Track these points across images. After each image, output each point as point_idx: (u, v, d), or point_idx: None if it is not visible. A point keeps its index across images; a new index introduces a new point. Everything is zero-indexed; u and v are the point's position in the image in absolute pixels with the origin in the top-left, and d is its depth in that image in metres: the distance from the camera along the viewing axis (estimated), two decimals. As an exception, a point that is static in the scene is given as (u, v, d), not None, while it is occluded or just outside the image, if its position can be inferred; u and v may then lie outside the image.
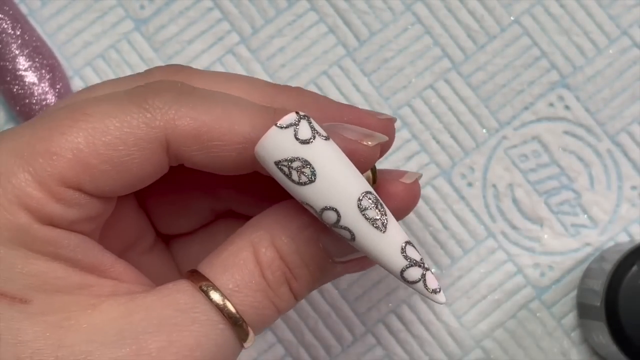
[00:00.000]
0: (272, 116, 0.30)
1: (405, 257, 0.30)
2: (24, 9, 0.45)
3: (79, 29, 0.45)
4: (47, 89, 0.43)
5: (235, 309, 0.30)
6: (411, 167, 0.44)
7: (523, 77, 0.44)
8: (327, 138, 0.30)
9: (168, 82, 0.31)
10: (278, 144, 0.29)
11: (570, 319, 0.43)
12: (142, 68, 0.45)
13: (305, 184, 0.29)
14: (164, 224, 0.36)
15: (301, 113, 0.30)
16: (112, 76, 0.45)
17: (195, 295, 0.30)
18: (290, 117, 0.29)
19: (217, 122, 0.30)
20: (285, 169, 0.29)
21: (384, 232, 0.30)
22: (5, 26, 0.44)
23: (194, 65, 0.45)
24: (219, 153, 0.30)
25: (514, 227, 0.43)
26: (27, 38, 0.44)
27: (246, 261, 0.31)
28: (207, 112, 0.30)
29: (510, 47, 0.44)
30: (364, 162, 0.31)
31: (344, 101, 0.44)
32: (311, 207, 0.30)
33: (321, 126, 0.30)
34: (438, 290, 0.30)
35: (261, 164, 0.30)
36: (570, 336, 0.43)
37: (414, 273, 0.30)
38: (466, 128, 0.44)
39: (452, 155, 0.44)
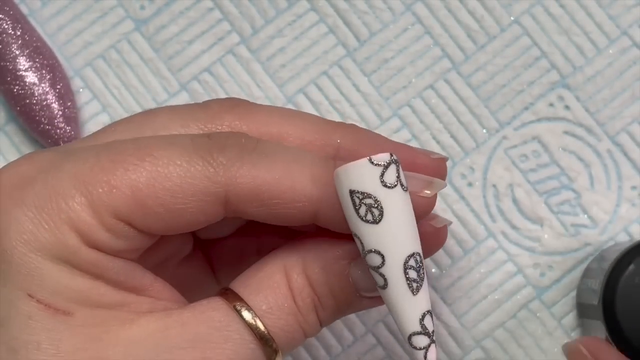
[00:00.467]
0: (332, 171, 0.31)
1: (422, 324, 0.30)
2: (24, 9, 0.45)
3: (80, 29, 0.45)
4: (47, 89, 0.43)
5: (267, 330, 0.31)
6: (411, 167, 0.44)
7: (523, 77, 0.44)
8: (405, 189, 0.30)
9: (233, 136, 0.31)
10: (362, 176, 0.30)
11: (571, 318, 0.43)
12: (142, 68, 0.45)
13: (368, 221, 0.30)
14: (204, 231, 0.37)
15: (394, 157, 0.30)
16: (112, 76, 0.45)
17: (229, 314, 0.31)
18: (384, 157, 0.30)
19: (277, 181, 0.31)
20: (357, 201, 0.30)
21: (414, 294, 0.30)
22: (6, 26, 0.44)
23: (194, 65, 0.45)
24: (278, 210, 0.31)
25: (514, 227, 0.43)
26: (27, 38, 0.44)
27: (279, 284, 0.32)
28: (269, 170, 0.31)
29: (510, 47, 0.44)
30: (423, 212, 0.32)
31: (344, 101, 0.44)
32: (361, 243, 0.30)
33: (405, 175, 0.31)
34: None
35: (336, 184, 0.30)
36: (571, 336, 0.43)
37: (421, 341, 0.31)
38: (466, 128, 0.44)
39: (452, 155, 0.44)
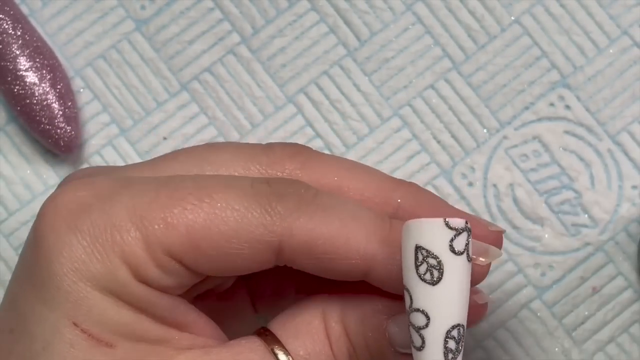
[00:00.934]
0: (388, 232, 0.31)
1: None
2: (24, 9, 0.45)
3: (80, 29, 0.45)
4: (47, 89, 0.43)
5: None
6: (412, 167, 0.44)
7: (523, 77, 0.44)
8: (469, 260, 0.30)
9: (292, 185, 0.31)
10: (433, 236, 0.30)
11: (572, 318, 0.43)
12: (143, 68, 0.45)
13: (425, 281, 0.30)
14: None
15: (468, 225, 0.30)
16: (113, 77, 0.45)
17: (266, 357, 0.31)
18: (459, 223, 0.30)
19: (333, 236, 0.31)
20: (420, 258, 0.30)
21: None
22: (6, 26, 0.44)
23: (195, 65, 0.45)
24: (330, 265, 0.31)
25: (514, 227, 0.43)
26: (27, 38, 0.44)
27: (317, 331, 0.32)
28: (325, 225, 0.31)
29: (511, 46, 0.44)
30: (475, 280, 0.32)
31: (345, 101, 0.44)
32: (411, 299, 0.30)
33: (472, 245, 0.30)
34: None
35: (403, 235, 0.30)
36: (572, 336, 0.43)
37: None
38: (467, 128, 0.44)
39: (452, 155, 0.44)
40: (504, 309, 0.43)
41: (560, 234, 0.43)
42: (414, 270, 0.30)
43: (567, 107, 0.44)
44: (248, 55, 0.45)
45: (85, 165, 0.44)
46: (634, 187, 0.43)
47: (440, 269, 0.29)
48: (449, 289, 0.30)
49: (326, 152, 0.44)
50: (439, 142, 0.44)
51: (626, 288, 0.43)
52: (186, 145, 0.44)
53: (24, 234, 0.44)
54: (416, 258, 0.30)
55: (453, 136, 0.44)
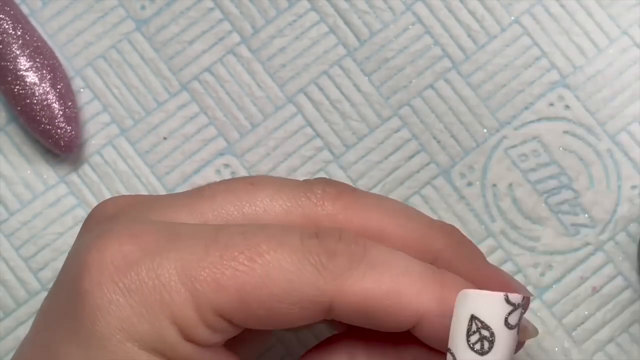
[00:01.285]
0: (439, 288, 0.31)
1: None
2: (25, 9, 0.45)
3: (80, 29, 0.45)
4: (48, 89, 0.43)
5: None
6: (412, 166, 0.44)
7: (523, 77, 0.44)
8: (518, 333, 0.30)
9: (342, 240, 0.31)
10: (491, 309, 0.30)
11: (571, 318, 0.43)
12: (143, 68, 0.45)
13: (473, 349, 0.30)
14: None
15: (524, 300, 0.30)
16: (113, 77, 0.45)
17: None
18: (518, 299, 0.30)
19: (385, 295, 0.30)
20: (473, 328, 0.30)
21: None
22: (6, 26, 0.44)
23: (195, 65, 0.45)
24: (379, 323, 0.31)
25: (514, 227, 0.43)
26: (28, 38, 0.44)
27: None
28: (377, 283, 0.30)
29: (511, 46, 0.44)
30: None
31: (345, 101, 0.44)
32: None
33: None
34: None
35: (457, 301, 0.30)
36: (572, 335, 0.43)
37: None
38: (466, 128, 0.44)
39: (452, 155, 0.44)
40: (504, 308, 0.43)
41: (560, 233, 0.43)
42: (465, 339, 0.30)
43: (567, 107, 0.44)
44: (248, 55, 0.45)
45: (85, 166, 0.44)
46: (634, 187, 0.43)
47: (492, 341, 0.30)
48: (496, 359, 0.30)
49: (326, 152, 0.44)
50: (438, 142, 0.44)
51: (626, 288, 0.43)
52: (186, 146, 0.44)
53: (24, 234, 0.44)
54: (469, 327, 0.30)
55: (453, 136, 0.44)
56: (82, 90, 0.45)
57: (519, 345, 0.32)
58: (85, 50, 0.45)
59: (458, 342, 0.30)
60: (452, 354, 0.30)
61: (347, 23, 0.45)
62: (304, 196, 0.33)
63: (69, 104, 0.44)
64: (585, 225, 0.43)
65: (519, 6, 0.45)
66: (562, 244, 0.43)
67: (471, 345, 0.30)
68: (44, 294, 0.43)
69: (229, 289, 0.30)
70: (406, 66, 0.45)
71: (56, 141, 0.43)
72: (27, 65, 0.43)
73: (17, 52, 0.43)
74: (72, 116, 0.44)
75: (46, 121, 0.43)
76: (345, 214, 0.33)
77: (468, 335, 0.30)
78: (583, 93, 0.44)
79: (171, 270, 0.30)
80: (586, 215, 0.43)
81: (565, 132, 0.44)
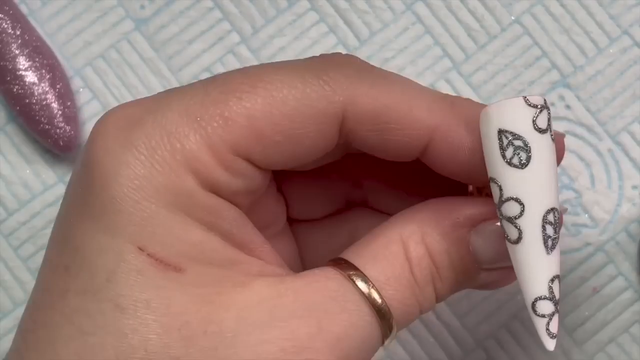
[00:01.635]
0: (449, 106, 0.29)
1: (550, 288, 0.29)
2: (24, 9, 0.45)
3: (79, 29, 0.45)
4: (47, 89, 0.43)
5: (384, 303, 0.29)
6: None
7: (524, 77, 0.44)
8: (553, 138, 0.29)
9: (347, 55, 0.30)
10: (515, 116, 0.28)
11: (572, 318, 0.43)
12: (142, 68, 0.45)
13: (512, 164, 0.28)
14: (297, 209, 0.35)
15: (547, 102, 0.29)
16: (112, 76, 0.45)
17: (345, 284, 0.29)
18: (539, 100, 0.28)
19: (396, 104, 0.29)
20: (504, 142, 0.28)
21: (548, 253, 0.29)
22: (5, 26, 0.44)
23: (195, 65, 0.45)
24: (393, 137, 0.29)
25: (514, 227, 0.43)
26: (27, 38, 0.44)
27: (397, 255, 0.30)
28: (387, 92, 0.29)
29: (511, 46, 0.44)
30: (558, 157, 0.30)
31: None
32: (500, 189, 0.28)
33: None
34: (554, 335, 0.29)
35: (481, 125, 0.29)
36: (572, 336, 0.43)
37: (547, 308, 0.29)
38: (467, 128, 0.44)
39: (452, 155, 0.44)
40: (504, 309, 0.43)
41: (561, 234, 0.43)
42: (500, 157, 0.28)
43: (568, 107, 0.44)
44: (248, 55, 0.45)
45: (84, 165, 0.44)
46: (634, 187, 0.43)
47: (527, 149, 0.28)
48: (540, 170, 0.28)
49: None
50: (439, 142, 0.44)
51: (626, 288, 0.43)
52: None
53: (23, 234, 0.44)
54: (501, 143, 0.28)
55: (453, 136, 0.44)
56: (81, 89, 0.45)
57: (560, 148, 0.30)
58: (85, 50, 0.45)
59: (495, 163, 0.28)
60: (494, 181, 0.29)
61: (347, 23, 0.45)
62: (322, 70, 0.30)
63: (68, 103, 0.44)
64: (585, 226, 0.43)
65: (519, 6, 0.45)
66: (563, 244, 0.43)
67: (509, 161, 0.28)
68: (43, 294, 0.43)
69: (237, 119, 0.28)
70: (406, 66, 0.45)
71: (55, 141, 0.43)
72: (26, 64, 0.43)
73: (16, 52, 0.43)
74: (71, 116, 0.43)
75: (45, 121, 0.43)
76: (353, 79, 0.30)
77: (502, 152, 0.28)
78: (584, 93, 0.44)
79: (175, 117, 0.28)
80: (587, 215, 0.43)
81: (566, 132, 0.44)
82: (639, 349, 0.42)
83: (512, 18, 0.45)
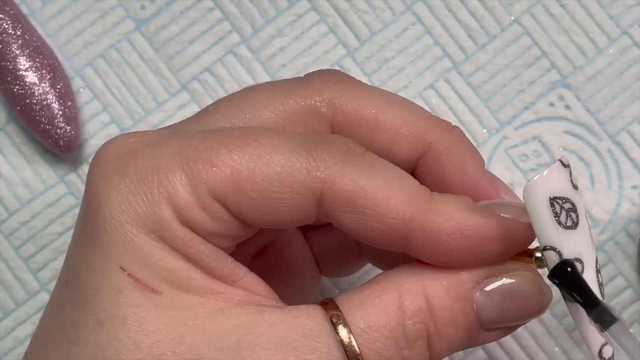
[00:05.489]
0: (427, 199, 0.30)
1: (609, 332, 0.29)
2: (24, 9, 0.45)
3: (80, 29, 0.45)
4: (47, 89, 0.43)
5: (360, 351, 0.29)
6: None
7: (523, 77, 0.44)
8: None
9: (342, 139, 0.31)
10: (560, 180, 0.29)
11: (571, 318, 0.43)
12: (142, 68, 0.45)
13: (569, 227, 0.29)
14: None
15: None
16: (113, 76, 0.45)
17: (323, 325, 0.29)
18: (566, 160, 0.29)
19: (374, 191, 0.30)
20: (557, 208, 0.28)
21: (603, 299, 0.29)
22: (6, 26, 0.44)
23: (195, 65, 0.45)
24: (369, 222, 0.30)
25: (514, 227, 0.43)
26: (27, 38, 0.44)
27: (387, 304, 0.30)
28: (369, 178, 0.30)
29: (511, 46, 0.44)
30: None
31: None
32: (560, 254, 0.29)
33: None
34: None
35: (529, 198, 0.29)
36: (572, 336, 0.43)
37: (608, 350, 0.29)
38: (467, 128, 0.44)
39: (452, 155, 0.44)
40: (504, 308, 0.43)
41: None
42: (555, 223, 0.28)
43: (567, 107, 0.44)
44: (248, 55, 0.45)
45: (85, 165, 0.44)
46: (634, 187, 0.43)
47: (575, 210, 0.29)
48: (585, 225, 0.29)
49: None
50: (438, 142, 0.44)
51: (626, 288, 0.43)
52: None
53: (24, 234, 0.44)
54: (554, 210, 0.28)
55: (453, 136, 0.44)
56: (81, 90, 0.45)
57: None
58: (85, 50, 0.45)
59: (551, 232, 0.28)
60: (553, 249, 0.28)
61: (347, 23, 0.45)
62: (302, 87, 0.33)
63: (69, 103, 0.44)
64: (585, 225, 0.43)
65: (519, 6, 0.45)
66: (562, 244, 0.43)
67: (564, 224, 0.28)
68: (44, 294, 0.43)
69: (222, 168, 0.30)
70: (406, 66, 0.45)
71: (56, 141, 0.43)
72: (27, 65, 0.43)
73: (17, 52, 0.43)
74: (72, 116, 0.44)
75: (46, 121, 0.43)
76: (341, 98, 0.32)
77: (557, 218, 0.28)
78: (583, 93, 0.44)
79: (168, 154, 0.30)
80: (587, 215, 0.43)
81: (566, 132, 0.44)
82: (639, 348, 0.42)
83: (512, 18, 0.45)
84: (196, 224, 0.30)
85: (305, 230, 0.37)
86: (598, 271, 0.30)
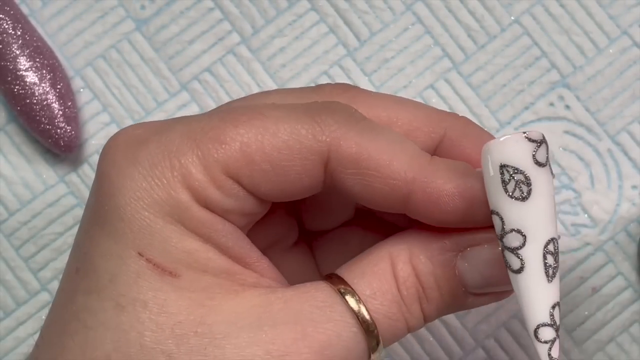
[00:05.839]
0: (428, 161, 0.31)
1: (551, 315, 0.30)
2: (24, 9, 0.45)
3: (80, 29, 0.45)
4: (47, 89, 0.43)
5: (369, 315, 0.31)
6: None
7: (523, 77, 0.44)
8: (552, 173, 0.30)
9: (343, 105, 0.32)
10: (516, 151, 0.29)
11: (571, 318, 0.43)
12: (143, 68, 0.45)
13: (514, 198, 0.29)
14: (310, 221, 0.37)
15: (545, 138, 0.30)
16: (113, 76, 0.45)
17: (333, 296, 0.31)
18: (537, 135, 0.30)
19: (378, 153, 0.31)
20: (507, 176, 0.29)
21: (549, 282, 0.30)
22: (6, 26, 0.44)
23: (195, 65, 0.45)
24: (372, 183, 0.31)
25: (514, 227, 0.43)
26: (27, 38, 0.44)
27: (384, 271, 0.31)
28: (372, 141, 0.31)
29: (511, 46, 0.44)
30: None
31: (344, 101, 0.44)
32: (502, 222, 0.30)
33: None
34: None
35: (483, 160, 0.30)
36: (572, 336, 0.43)
37: (549, 334, 0.30)
38: (466, 128, 0.44)
39: (452, 155, 0.44)
40: (504, 309, 0.43)
41: (561, 233, 0.43)
42: (502, 191, 0.29)
43: (567, 107, 0.44)
44: (248, 55, 0.45)
45: (85, 165, 0.45)
46: (634, 187, 0.43)
47: (528, 183, 0.29)
48: (540, 202, 0.29)
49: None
50: (438, 142, 0.44)
51: (626, 288, 0.43)
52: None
53: (24, 234, 0.44)
54: (503, 177, 0.29)
55: (453, 136, 0.44)
56: (82, 90, 0.45)
57: None
58: (85, 50, 0.45)
59: (498, 197, 0.30)
60: (496, 214, 0.30)
61: (347, 23, 0.45)
62: (313, 93, 0.34)
63: (69, 103, 0.44)
64: (585, 225, 0.43)
65: (519, 6, 0.45)
66: (562, 244, 0.43)
67: (511, 194, 0.29)
68: (44, 294, 0.43)
69: (231, 144, 0.30)
70: (406, 66, 0.45)
71: (56, 141, 0.43)
72: (27, 65, 0.43)
73: (17, 52, 0.43)
74: (72, 116, 0.44)
75: (46, 121, 0.43)
76: (353, 104, 0.33)
77: (505, 185, 0.29)
78: (583, 93, 0.44)
79: (177, 139, 0.31)
80: (586, 215, 0.43)
81: (566, 132, 0.44)
82: (639, 348, 0.42)
83: (512, 18, 0.45)
84: (213, 203, 0.30)
85: (309, 239, 0.37)
86: (552, 254, 0.30)
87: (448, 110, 0.34)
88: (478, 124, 0.44)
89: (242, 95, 0.45)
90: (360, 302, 0.31)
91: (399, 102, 0.34)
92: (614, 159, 0.44)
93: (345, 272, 0.32)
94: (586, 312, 0.43)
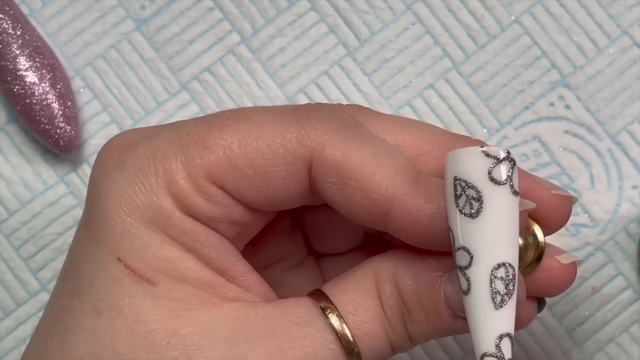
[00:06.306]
0: (415, 178, 0.30)
1: (497, 346, 0.28)
2: (24, 9, 0.45)
3: (80, 29, 0.45)
4: (47, 89, 0.43)
5: (350, 332, 0.30)
6: (412, 166, 0.44)
7: (523, 77, 0.44)
8: (516, 194, 0.28)
9: (336, 108, 0.31)
10: (469, 164, 0.28)
11: (571, 318, 0.43)
12: (143, 68, 0.45)
13: (463, 213, 0.28)
14: (318, 243, 0.36)
15: (511, 156, 0.28)
16: (113, 76, 0.45)
17: (313, 311, 0.30)
18: (496, 151, 0.28)
19: (361, 164, 0.30)
20: (459, 190, 0.28)
21: (496, 309, 0.28)
22: (6, 26, 0.44)
23: (195, 65, 0.45)
24: (352, 195, 0.30)
25: (514, 227, 0.43)
26: (27, 38, 0.44)
27: (367, 288, 0.31)
28: (358, 150, 0.30)
29: (511, 46, 0.44)
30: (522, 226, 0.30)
31: (344, 101, 0.44)
32: (453, 237, 0.28)
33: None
34: None
35: (445, 168, 0.29)
36: (572, 336, 0.43)
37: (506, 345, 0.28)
38: (467, 128, 0.44)
39: (452, 155, 0.44)
40: (504, 308, 0.43)
41: (560, 233, 0.43)
42: (454, 205, 0.28)
43: (567, 107, 0.44)
44: (248, 55, 0.45)
45: (85, 165, 0.44)
46: (634, 187, 0.43)
47: (479, 200, 0.28)
48: (490, 222, 0.28)
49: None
50: (438, 142, 0.44)
51: (626, 288, 0.43)
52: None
53: (24, 234, 0.44)
54: (455, 190, 0.28)
55: (453, 136, 0.44)
56: (81, 90, 0.45)
57: (522, 215, 0.29)
58: (85, 50, 0.45)
59: (450, 211, 0.28)
60: (451, 230, 0.28)
61: (347, 23, 0.45)
62: (312, 112, 0.32)
63: (69, 103, 0.44)
64: (585, 225, 0.43)
65: (519, 6, 0.45)
66: (562, 244, 0.43)
67: (461, 209, 0.28)
68: (44, 294, 0.43)
69: (214, 149, 0.30)
70: (406, 66, 0.45)
71: (56, 141, 0.43)
72: (27, 65, 0.43)
73: (17, 52, 0.43)
74: (72, 116, 0.44)
75: (46, 121, 0.43)
76: None
77: (456, 199, 0.28)
78: (583, 93, 0.44)
79: (164, 143, 0.30)
80: (586, 215, 0.43)
81: (566, 132, 0.44)
82: (639, 348, 0.42)
83: (512, 18, 0.45)
84: (197, 211, 0.30)
85: (320, 260, 0.37)
86: (503, 280, 0.28)
87: (461, 135, 0.33)
88: (478, 124, 0.44)
89: (242, 95, 0.45)
90: (341, 319, 0.30)
91: (408, 125, 0.32)
92: (614, 159, 0.44)
93: (329, 289, 0.31)
94: (586, 312, 0.43)
